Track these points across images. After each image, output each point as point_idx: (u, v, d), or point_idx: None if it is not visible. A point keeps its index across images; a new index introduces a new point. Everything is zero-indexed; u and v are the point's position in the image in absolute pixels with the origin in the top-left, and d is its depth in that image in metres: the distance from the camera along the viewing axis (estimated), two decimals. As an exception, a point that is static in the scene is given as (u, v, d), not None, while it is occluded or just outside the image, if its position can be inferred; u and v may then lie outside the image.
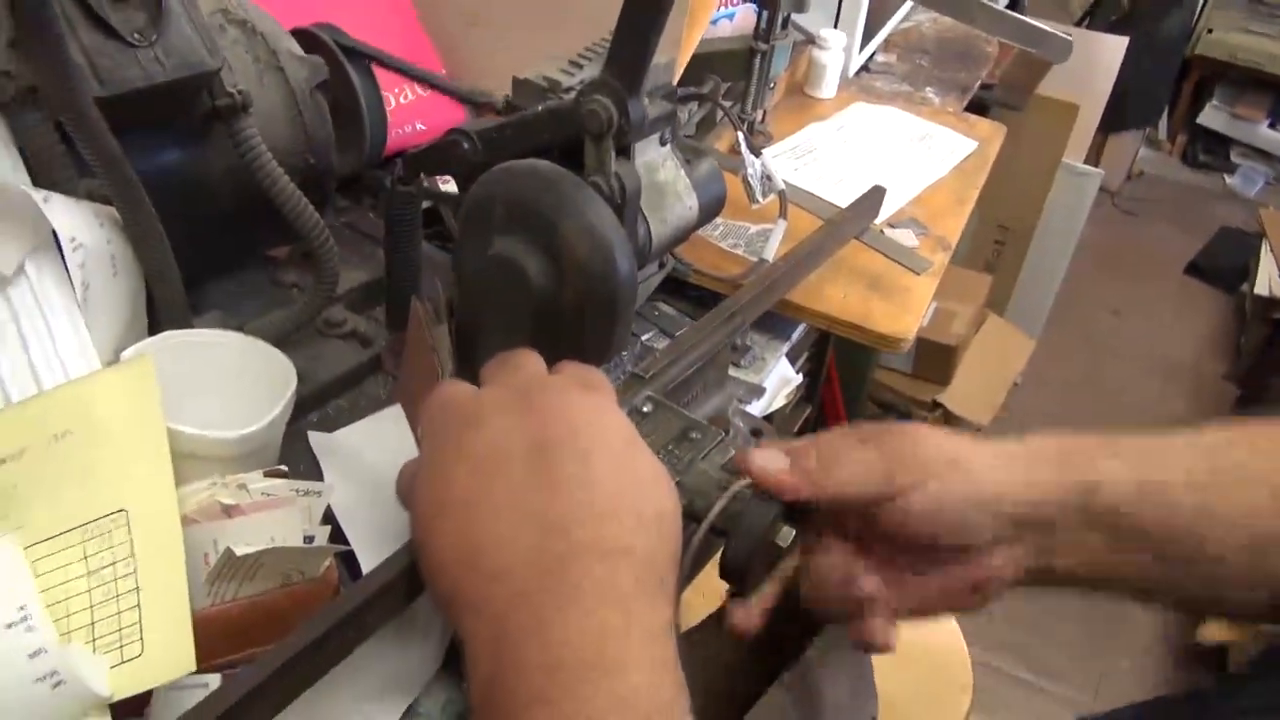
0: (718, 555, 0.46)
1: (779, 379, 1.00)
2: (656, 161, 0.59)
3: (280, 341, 0.65)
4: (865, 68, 1.47)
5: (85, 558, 0.46)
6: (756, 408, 0.97)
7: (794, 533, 0.45)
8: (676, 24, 0.95)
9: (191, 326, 0.64)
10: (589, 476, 0.39)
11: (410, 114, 0.94)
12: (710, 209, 0.63)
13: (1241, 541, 0.44)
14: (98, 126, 0.50)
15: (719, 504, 0.47)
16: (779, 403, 1.04)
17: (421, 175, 0.67)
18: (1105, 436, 0.46)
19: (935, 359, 2.06)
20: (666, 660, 0.36)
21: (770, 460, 0.44)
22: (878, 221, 1.01)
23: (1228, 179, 3.57)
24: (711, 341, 0.61)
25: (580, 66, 0.60)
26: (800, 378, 1.10)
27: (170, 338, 0.60)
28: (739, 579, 0.46)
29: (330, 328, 0.74)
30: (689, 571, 0.47)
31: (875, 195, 0.87)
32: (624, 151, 0.56)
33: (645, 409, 0.55)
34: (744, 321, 0.64)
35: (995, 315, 2.30)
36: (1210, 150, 3.62)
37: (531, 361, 0.47)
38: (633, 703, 0.34)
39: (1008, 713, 1.82)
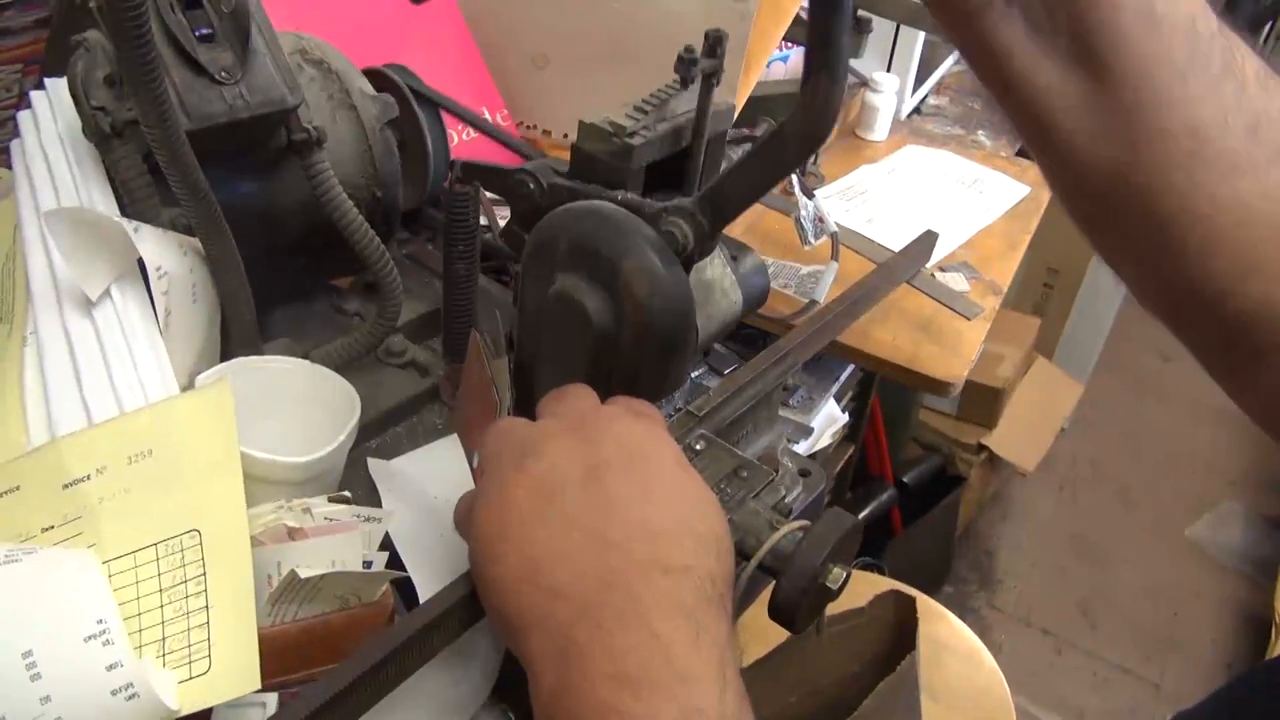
0: (766, 594, 0.47)
1: (826, 418, 1.01)
2: (704, 261, 0.60)
3: (342, 368, 0.67)
4: (917, 110, 1.48)
5: (159, 574, 0.47)
6: (802, 446, 0.97)
7: (845, 574, 0.46)
8: (734, 68, 0.96)
9: (261, 353, 0.66)
10: (643, 497, 0.40)
11: (471, 151, 0.97)
12: (753, 302, 0.65)
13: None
14: (188, 160, 0.52)
15: (769, 542, 0.48)
16: (824, 441, 1.05)
17: (479, 188, 0.67)
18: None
19: (981, 401, 2.04)
20: (732, 673, 0.36)
21: None
22: (929, 264, 1.02)
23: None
24: (763, 382, 0.62)
25: (645, 112, 0.61)
26: (846, 417, 1.11)
27: (242, 363, 0.62)
28: (789, 619, 0.46)
29: (390, 356, 0.75)
30: (738, 608, 0.47)
31: (927, 240, 0.87)
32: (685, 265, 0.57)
33: (698, 446, 0.56)
34: (796, 362, 0.65)
35: (1043, 358, 2.27)
36: (1267, 196, 3.57)
37: (585, 394, 0.49)
38: (703, 711, 0.34)
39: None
